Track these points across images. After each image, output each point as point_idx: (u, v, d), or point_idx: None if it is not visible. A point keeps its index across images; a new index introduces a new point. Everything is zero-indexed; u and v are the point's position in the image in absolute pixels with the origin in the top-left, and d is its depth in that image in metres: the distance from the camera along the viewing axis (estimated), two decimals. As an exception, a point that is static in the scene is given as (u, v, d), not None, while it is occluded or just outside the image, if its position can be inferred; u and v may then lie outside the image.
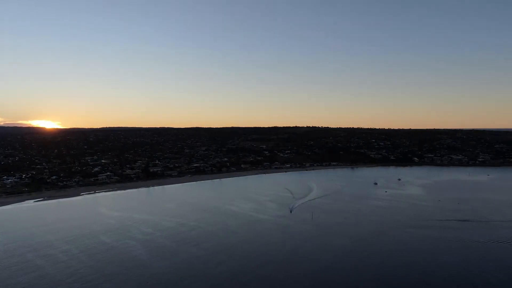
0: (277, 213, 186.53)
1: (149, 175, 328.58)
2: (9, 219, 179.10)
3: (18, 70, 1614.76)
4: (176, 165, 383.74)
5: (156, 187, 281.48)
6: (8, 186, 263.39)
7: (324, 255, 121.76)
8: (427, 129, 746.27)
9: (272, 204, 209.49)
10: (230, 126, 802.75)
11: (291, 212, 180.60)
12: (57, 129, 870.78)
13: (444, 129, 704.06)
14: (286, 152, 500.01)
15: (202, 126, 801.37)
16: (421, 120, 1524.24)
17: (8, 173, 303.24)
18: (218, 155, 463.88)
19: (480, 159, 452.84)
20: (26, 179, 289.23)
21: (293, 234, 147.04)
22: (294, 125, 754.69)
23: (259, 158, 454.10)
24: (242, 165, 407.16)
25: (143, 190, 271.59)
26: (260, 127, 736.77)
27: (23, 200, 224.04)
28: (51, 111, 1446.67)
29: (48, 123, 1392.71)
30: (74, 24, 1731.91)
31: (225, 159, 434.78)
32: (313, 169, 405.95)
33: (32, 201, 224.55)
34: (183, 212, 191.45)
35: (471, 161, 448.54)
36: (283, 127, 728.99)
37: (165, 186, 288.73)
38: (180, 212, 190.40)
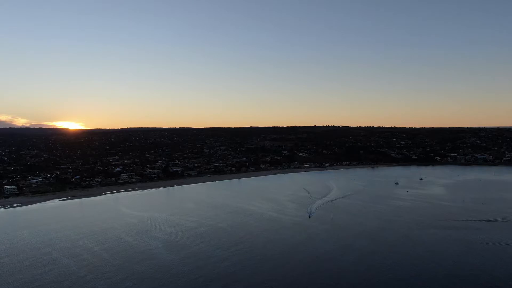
0: (295, 213, 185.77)
1: (169, 175, 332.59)
2: (35, 218, 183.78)
3: (42, 73, 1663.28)
4: (196, 165, 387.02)
5: (176, 187, 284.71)
6: (34, 185, 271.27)
7: (343, 255, 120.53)
8: (450, 128, 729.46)
9: (291, 204, 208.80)
10: (249, 126, 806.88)
11: (309, 217, 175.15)
12: (80, 130, 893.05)
13: (467, 128, 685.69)
14: (305, 151, 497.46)
15: (221, 126, 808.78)
16: (444, 119, 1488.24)
17: (34, 173, 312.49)
18: (237, 155, 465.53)
19: (506, 158, 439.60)
20: (51, 179, 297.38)
21: (311, 235, 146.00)
22: (313, 125, 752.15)
23: (278, 157, 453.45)
24: (261, 165, 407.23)
25: (163, 189, 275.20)
26: (279, 127, 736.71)
27: (48, 200, 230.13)
28: (74, 112, 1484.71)
29: (72, 124, 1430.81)
30: (95, 26, 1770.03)
31: (244, 159, 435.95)
32: (333, 169, 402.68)
33: (56, 200, 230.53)
34: (202, 212, 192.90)
35: (496, 160, 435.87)
36: (302, 127, 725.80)
37: (185, 186, 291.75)
38: (199, 212, 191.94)
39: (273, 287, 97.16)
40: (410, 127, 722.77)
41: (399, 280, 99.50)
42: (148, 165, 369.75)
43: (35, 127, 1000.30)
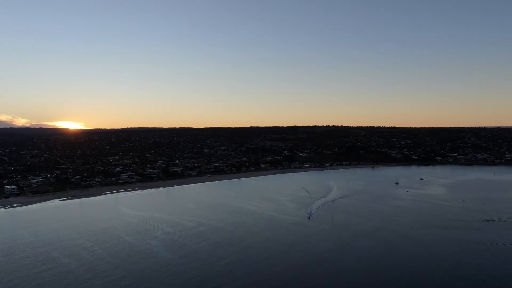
0: (295, 213, 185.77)
1: (169, 175, 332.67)
2: (35, 218, 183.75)
3: (42, 73, 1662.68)
4: (196, 165, 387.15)
5: (176, 187, 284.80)
6: (34, 185, 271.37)
7: (342, 255, 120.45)
8: (450, 128, 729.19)
9: (291, 204, 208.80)
10: (249, 126, 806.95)
11: (309, 218, 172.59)
12: (80, 130, 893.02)
13: (468, 127, 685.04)
14: (306, 151, 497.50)
15: (221, 126, 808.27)
16: (444, 119, 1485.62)
17: (34, 173, 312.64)
18: (237, 154, 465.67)
19: (506, 158, 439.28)
20: (51, 179, 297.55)
21: (310, 234, 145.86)
22: (313, 124, 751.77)
23: (278, 157, 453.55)
24: (261, 165, 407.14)
25: (163, 189, 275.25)
26: (279, 127, 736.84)
27: (49, 200, 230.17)
28: (75, 112, 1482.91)
29: (72, 124, 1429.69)
30: (95, 26, 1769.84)
31: (244, 158, 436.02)
32: (333, 169, 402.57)
33: (57, 200, 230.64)
34: (202, 211, 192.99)
35: (496, 160, 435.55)
36: (302, 126, 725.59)
37: (185, 185, 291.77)
38: (199, 212, 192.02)
39: (271, 286, 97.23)
40: (410, 127, 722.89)
41: (399, 279, 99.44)
42: (148, 165, 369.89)
43: (35, 127, 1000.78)
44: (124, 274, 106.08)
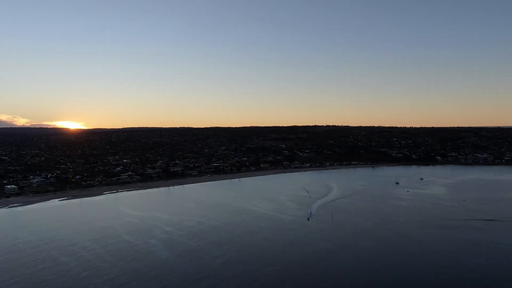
0: (295, 212, 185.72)
1: (169, 175, 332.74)
2: (35, 217, 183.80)
3: (42, 73, 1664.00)
4: (196, 164, 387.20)
5: (176, 187, 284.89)
6: (34, 185, 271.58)
7: (342, 254, 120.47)
8: (450, 127, 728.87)
9: (290, 204, 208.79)
10: (249, 125, 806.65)
11: (308, 219, 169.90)
12: (81, 129, 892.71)
13: (468, 127, 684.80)
14: (306, 151, 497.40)
15: (221, 126, 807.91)
16: (444, 119, 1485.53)
17: (35, 173, 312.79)
18: (238, 154, 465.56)
19: (506, 158, 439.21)
20: (52, 178, 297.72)
21: (310, 234, 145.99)
22: (314, 124, 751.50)
23: (278, 157, 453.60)
24: (262, 165, 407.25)
25: (163, 189, 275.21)
26: (279, 126, 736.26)
27: (49, 199, 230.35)
28: (75, 112, 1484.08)
29: (72, 124, 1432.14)
30: (95, 26, 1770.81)
31: (245, 158, 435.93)
32: (333, 169, 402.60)
33: (57, 200, 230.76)
34: (202, 211, 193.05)
35: (497, 160, 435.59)
36: (303, 126, 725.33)
37: (185, 185, 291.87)
38: (199, 212, 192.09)
39: (269, 285, 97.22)
40: (410, 127, 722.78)
41: (399, 279, 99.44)
42: (149, 165, 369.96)
43: (36, 127, 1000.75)
44: (123, 273, 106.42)
